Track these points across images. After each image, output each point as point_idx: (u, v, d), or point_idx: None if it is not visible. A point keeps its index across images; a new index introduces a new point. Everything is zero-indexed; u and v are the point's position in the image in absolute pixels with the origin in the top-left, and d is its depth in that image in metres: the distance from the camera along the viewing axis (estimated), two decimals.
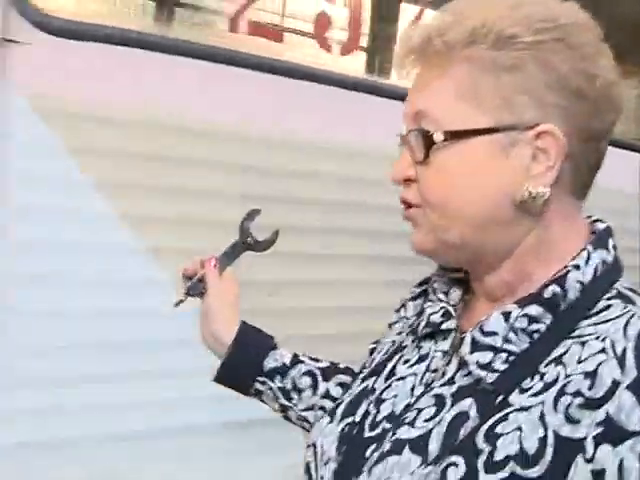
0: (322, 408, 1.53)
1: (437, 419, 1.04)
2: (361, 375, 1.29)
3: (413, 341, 1.21)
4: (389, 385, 1.19)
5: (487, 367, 1.02)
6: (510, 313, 1.01)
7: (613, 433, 0.88)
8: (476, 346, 1.03)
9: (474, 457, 0.95)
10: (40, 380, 1.75)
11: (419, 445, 1.04)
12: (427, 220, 1.06)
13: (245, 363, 1.55)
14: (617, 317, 0.98)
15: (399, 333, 1.29)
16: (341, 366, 1.60)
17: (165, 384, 1.91)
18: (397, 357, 1.22)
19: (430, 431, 1.04)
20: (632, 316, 0.96)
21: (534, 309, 1.01)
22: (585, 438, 0.90)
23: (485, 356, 1.03)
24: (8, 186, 1.71)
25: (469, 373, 1.04)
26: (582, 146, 1.01)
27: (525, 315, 1.01)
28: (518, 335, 1.02)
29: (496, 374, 1.01)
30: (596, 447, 0.89)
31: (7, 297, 1.74)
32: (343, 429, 1.21)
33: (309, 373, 1.56)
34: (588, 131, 0.99)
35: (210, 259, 1.54)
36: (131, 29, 1.81)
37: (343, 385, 1.53)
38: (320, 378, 1.57)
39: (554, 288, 1.01)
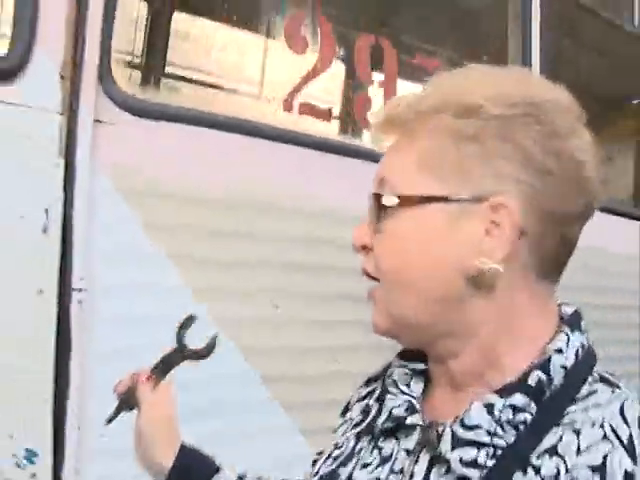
0: None
1: None
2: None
3: (370, 442, 1.09)
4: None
5: (472, 464, 0.93)
6: (493, 405, 0.93)
7: None
8: (457, 442, 0.94)
9: None
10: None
11: None
12: (381, 294, 1.00)
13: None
14: (608, 402, 0.93)
15: (343, 435, 1.17)
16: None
17: None
18: (353, 462, 1.09)
19: None
20: (625, 400, 0.92)
21: (518, 399, 0.93)
22: None
23: (468, 452, 0.93)
24: (93, 264, 1.71)
25: (448, 471, 0.95)
26: (543, 226, 0.94)
27: (510, 406, 0.93)
28: (504, 427, 0.94)
29: (483, 470, 0.92)
30: None
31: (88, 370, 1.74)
32: None
33: None
34: (551, 212, 0.92)
35: (142, 373, 1.39)
36: (211, 112, 1.86)
37: None
38: None
39: (539, 374, 0.94)
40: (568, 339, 0.95)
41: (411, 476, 0.97)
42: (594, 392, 0.93)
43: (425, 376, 1.06)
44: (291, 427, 2.15)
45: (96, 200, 1.70)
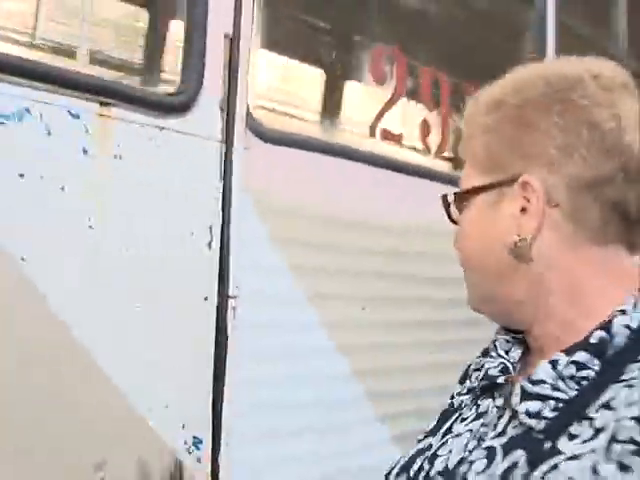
0: None
1: (489, 472, 1.04)
2: (419, 437, 1.28)
3: (473, 400, 1.21)
4: (444, 442, 1.20)
5: (536, 415, 1.02)
6: (558, 361, 1.00)
7: None
8: (525, 395, 1.02)
9: None
10: None
11: None
12: (466, 279, 1.15)
13: None
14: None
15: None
16: None
17: None
18: (455, 416, 1.22)
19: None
20: None
21: (581, 356, 0.99)
22: None
23: (534, 405, 1.02)
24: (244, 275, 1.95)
25: (519, 424, 1.04)
26: (574, 195, 1.00)
27: (573, 362, 1.00)
28: (566, 382, 1.01)
29: (545, 421, 1.00)
30: None
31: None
32: (399, 471, 1.25)
33: None
34: (578, 180, 0.98)
35: None
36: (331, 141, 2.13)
37: None
38: None
39: (600, 334, 1.00)
40: (636, 302, 0.99)
41: (494, 428, 1.08)
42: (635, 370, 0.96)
43: (525, 344, 1.14)
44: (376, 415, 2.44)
45: (246, 218, 1.94)
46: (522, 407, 1.01)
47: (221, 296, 1.89)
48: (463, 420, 1.19)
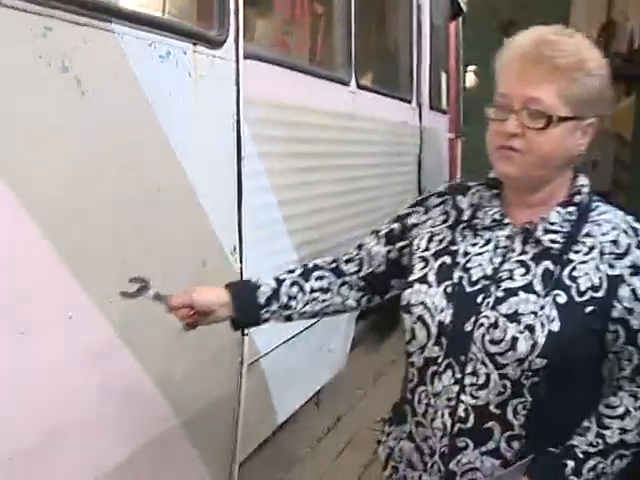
0: (314, 299, 2.01)
1: (531, 274, 1.66)
2: (425, 254, 1.82)
3: (472, 233, 1.77)
4: (469, 259, 1.74)
5: (554, 242, 1.67)
6: (560, 212, 1.68)
7: (634, 269, 1.63)
8: (546, 231, 1.68)
9: (568, 290, 1.62)
10: None
11: (529, 288, 1.64)
12: (523, 161, 1.61)
13: (248, 309, 1.96)
14: (609, 212, 1.71)
15: (437, 229, 1.83)
16: (310, 265, 2.05)
17: None
18: (460, 243, 1.78)
19: (531, 281, 1.65)
20: (616, 212, 1.72)
21: (571, 209, 1.69)
22: (621, 274, 1.63)
23: (551, 235, 1.67)
24: None
25: (537, 245, 1.68)
26: (596, 133, 1.60)
27: (567, 212, 1.69)
28: (565, 223, 1.68)
29: (559, 244, 1.66)
30: (629, 278, 1.63)
31: None
32: (445, 289, 1.73)
33: (293, 283, 1.99)
34: (601, 119, 1.62)
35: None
36: None
37: (321, 277, 2.02)
38: (303, 282, 2.00)
39: (578, 197, 1.71)
40: (585, 182, 1.73)
41: (513, 250, 1.71)
42: (598, 206, 1.72)
43: (500, 198, 1.77)
44: None
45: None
46: (545, 237, 1.67)
47: None
48: (474, 245, 1.76)
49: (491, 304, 1.66)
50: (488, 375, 1.66)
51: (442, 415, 1.73)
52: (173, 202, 2.52)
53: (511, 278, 1.67)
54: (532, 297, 1.63)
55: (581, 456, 1.68)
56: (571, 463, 1.68)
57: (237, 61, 2.88)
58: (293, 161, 3.51)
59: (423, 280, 1.77)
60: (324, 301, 2.01)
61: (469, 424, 1.70)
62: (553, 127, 1.60)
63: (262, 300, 1.94)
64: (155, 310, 1.87)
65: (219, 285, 1.95)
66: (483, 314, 1.66)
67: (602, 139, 12.95)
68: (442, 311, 1.70)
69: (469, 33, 9.98)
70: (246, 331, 3.01)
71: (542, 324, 1.61)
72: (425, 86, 6.46)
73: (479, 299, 1.68)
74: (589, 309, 1.62)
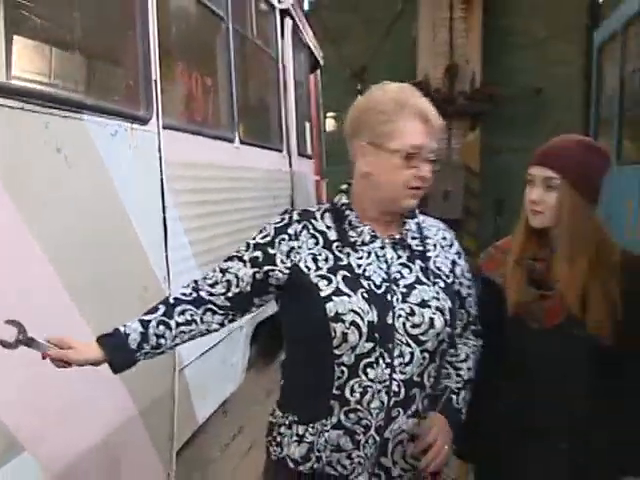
0: (182, 332, 2.21)
1: (414, 270, 2.17)
2: (321, 272, 2.13)
3: (353, 248, 2.16)
4: (364, 269, 2.14)
5: (417, 245, 2.21)
6: (413, 222, 2.24)
7: (458, 254, 2.32)
8: (413, 238, 2.21)
9: (440, 277, 2.21)
10: None
11: (420, 281, 2.16)
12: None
13: (123, 357, 2.16)
14: (426, 219, 2.31)
15: (317, 252, 2.16)
16: (171, 301, 2.24)
17: None
18: (347, 259, 2.15)
19: (417, 276, 2.17)
20: (427, 217, 2.32)
21: (413, 220, 2.25)
22: (453, 259, 2.28)
23: (416, 241, 2.21)
24: None
25: (405, 250, 2.18)
26: None
27: (414, 223, 2.24)
28: (415, 229, 2.23)
29: (421, 247, 2.21)
30: (458, 261, 2.30)
31: None
32: (362, 295, 2.10)
33: (159, 323, 2.18)
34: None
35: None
36: None
37: (183, 312, 2.21)
38: (167, 320, 2.19)
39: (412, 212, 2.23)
40: None
41: (392, 257, 2.17)
42: (418, 216, 2.29)
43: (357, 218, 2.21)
44: None
45: None
46: (413, 242, 2.20)
47: None
48: (359, 258, 2.17)
49: (400, 299, 2.12)
50: (412, 353, 2.11)
51: (379, 396, 2.11)
52: (124, 244, 3.33)
53: (403, 277, 2.16)
54: (426, 287, 2.16)
55: (456, 391, 2.31)
56: (453, 397, 2.29)
57: (158, 132, 3.69)
58: (196, 208, 4.29)
59: (339, 293, 2.08)
60: (191, 331, 2.23)
61: (401, 396, 2.13)
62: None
63: (134, 346, 2.15)
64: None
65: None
66: (398, 307, 2.11)
67: (452, 171, 14.27)
68: (368, 313, 2.07)
69: (326, 82, 10.92)
70: None
71: (444, 305, 2.16)
72: (293, 136, 7.33)
73: (389, 297, 2.11)
74: (456, 287, 2.28)
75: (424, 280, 2.16)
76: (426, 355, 2.14)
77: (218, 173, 4.85)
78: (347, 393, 2.12)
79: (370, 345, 2.08)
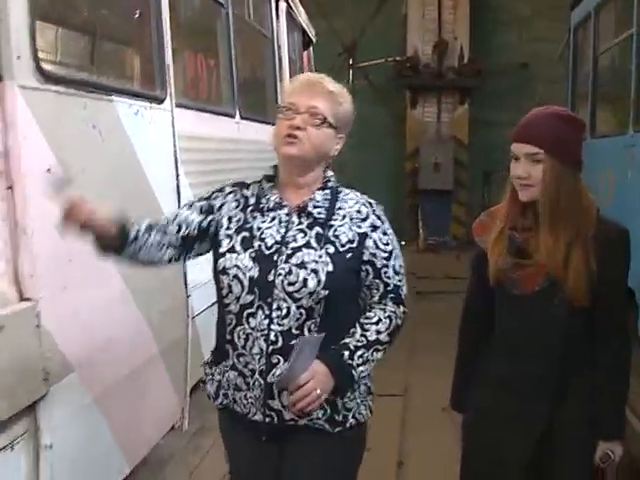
0: (150, 247, 2.45)
1: (308, 236, 2.32)
2: (229, 231, 2.39)
3: (261, 213, 2.38)
4: (262, 232, 2.35)
5: (320, 213, 2.34)
6: (321, 192, 2.38)
7: (373, 227, 2.38)
8: (314, 207, 2.35)
9: (334, 244, 2.31)
10: None
11: (308, 246, 2.30)
12: (302, 146, 2.29)
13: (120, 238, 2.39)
14: (351, 193, 2.44)
15: (234, 213, 2.40)
16: (152, 223, 2.48)
17: None
18: (253, 222, 2.38)
19: (308, 241, 2.30)
20: (355, 193, 2.45)
21: (327, 191, 2.40)
22: (365, 232, 2.37)
23: (318, 209, 2.35)
24: None
25: (308, 217, 2.33)
26: None
27: (325, 194, 2.38)
28: (325, 201, 2.37)
29: (323, 215, 2.34)
30: (371, 233, 2.37)
31: None
32: (250, 254, 2.33)
33: (146, 231, 2.45)
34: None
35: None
36: None
37: (158, 233, 2.45)
38: (148, 234, 2.46)
39: (329, 184, 2.42)
40: (332, 174, 2.45)
41: (292, 223, 2.35)
42: (344, 190, 2.45)
43: (276, 188, 2.41)
44: None
45: None
46: (315, 211, 2.35)
47: None
48: (263, 222, 2.37)
49: (284, 259, 2.29)
50: (289, 308, 2.29)
51: (259, 343, 2.32)
52: (145, 207, 3.91)
53: (295, 241, 2.33)
54: (311, 251, 2.30)
55: (352, 348, 2.33)
56: (346, 353, 2.31)
57: (172, 110, 4.26)
58: (202, 177, 4.82)
59: (232, 250, 2.36)
60: (155, 253, 2.48)
61: (279, 344, 2.31)
62: (325, 127, 2.34)
63: (132, 233, 2.42)
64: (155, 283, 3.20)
65: None
66: (280, 267, 2.29)
67: (442, 144, 14.80)
68: (251, 269, 2.31)
69: (319, 57, 11.41)
70: (189, 293, 4.40)
71: (322, 268, 2.28)
72: None
73: (275, 257, 2.31)
74: (349, 255, 2.34)
75: (313, 245, 2.31)
76: (302, 311, 2.29)
77: (221, 145, 5.41)
78: (235, 338, 2.37)
79: (251, 297, 2.30)
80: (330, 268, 2.28)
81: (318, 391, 2.23)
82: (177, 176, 4.32)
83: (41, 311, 2.78)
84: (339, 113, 2.38)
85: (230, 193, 2.49)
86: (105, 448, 3.47)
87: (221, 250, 2.39)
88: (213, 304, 4.69)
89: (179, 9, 4.76)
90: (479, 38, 15.31)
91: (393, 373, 5.92)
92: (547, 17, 14.47)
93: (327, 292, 2.28)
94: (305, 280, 2.26)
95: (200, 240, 2.49)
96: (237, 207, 2.44)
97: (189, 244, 2.49)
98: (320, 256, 2.29)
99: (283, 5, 7.90)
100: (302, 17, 9.25)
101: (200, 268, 4.32)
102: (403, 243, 13.01)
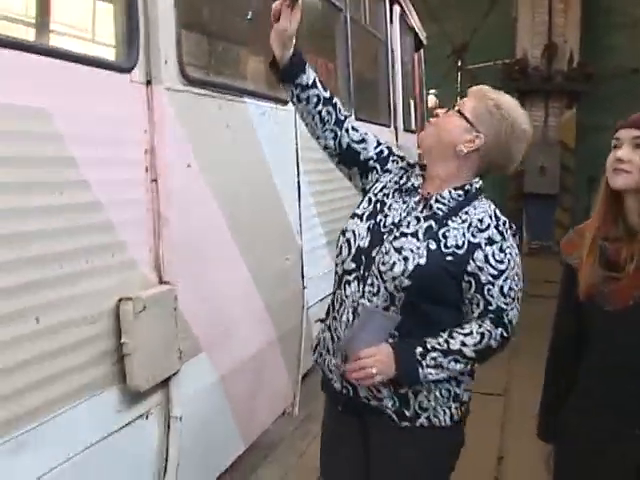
0: (323, 111, 2.51)
1: (419, 226, 2.34)
2: (371, 196, 2.49)
3: (400, 193, 2.45)
4: (389, 209, 2.43)
5: (440, 209, 2.33)
6: (451, 191, 2.35)
7: (490, 241, 2.28)
8: (437, 201, 2.35)
9: (439, 242, 2.28)
10: None
11: (415, 235, 2.31)
12: (432, 134, 2.43)
13: (299, 65, 2.45)
14: (486, 203, 2.36)
15: (387, 184, 2.50)
16: (335, 102, 2.54)
17: None
18: (390, 199, 2.45)
19: (417, 230, 2.32)
20: (490, 205, 2.35)
21: (460, 192, 2.35)
22: (479, 243, 2.28)
23: (439, 205, 2.34)
24: None
25: (429, 209, 2.34)
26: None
27: (457, 194, 2.34)
28: (452, 199, 2.35)
29: (442, 212, 2.32)
30: (484, 246, 2.28)
31: None
32: (369, 226, 2.42)
33: (319, 87, 2.50)
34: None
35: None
36: None
37: (329, 113, 2.51)
38: (326, 102, 2.51)
39: (468, 187, 2.36)
40: (478, 181, 2.38)
41: (416, 210, 2.38)
42: (482, 199, 2.37)
43: (424, 178, 2.46)
44: None
45: None
46: (435, 205, 2.35)
47: None
48: (396, 202, 2.45)
49: (390, 240, 2.34)
50: (379, 287, 2.33)
51: (348, 312, 2.39)
52: (270, 201, 4.21)
53: (407, 227, 2.36)
54: (414, 240, 2.32)
55: (428, 347, 2.29)
56: (419, 349, 2.28)
57: (295, 111, 4.45)
58: (318, 175, 5.03)
59: (359, 216, 2.46)
60: (326, 120, 2.53)
61: None
62: (455, 116, 2.39)
63: (310, 74, 2.47)
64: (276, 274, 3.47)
65: None
66: (383, 245, 2.34)
67: (548, 148, 14.72)
68: (362, 239, 2.40)
69: (428, 60, 11.55)
70: (305, 285, 4.64)
71: (414, 258, 2.29)
72: (399, 112, 8.08)
73: (385, 236, 2.36)
74: (449, 258, 2.29)
75: (419, 236, 2.33)
76: (387, 295, 2.31)
77: None
78: (335, 301, 2.47)
79: (353, 265, 2.39)
80: (422, 262, 2.27)
81: (374, 370, 2.26)
82: (298, 174, 4.55)
83: (178, 295, 3.03)
84: (479, 112, 2.38)
85: (400, 167, 2.56)
86: (225, 425, 3.74)
87: (355, 211, 2.50)
88: (325, 297, 5.05)
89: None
90: (589, 42, 15.11)
91: (493, 372, 6.03)
92: None
93: (410, 283, 2.27)
94: (394, 264, 2.28)
95: (354, 164, 2.57)
96: (394, 178, 2.52)
97: (349, 158, 2.57)
98: (418, 247, 2.29)
99: (397, 9, 8.08)
100: (414, 20, 9.41)
101: (315, 263, 4.61)
102: None
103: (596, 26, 15.10)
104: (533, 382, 5.54)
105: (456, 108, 2.38)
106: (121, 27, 2.88)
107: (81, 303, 2.52)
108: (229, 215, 3.55)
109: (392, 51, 7.94)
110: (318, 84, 2.46)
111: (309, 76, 2.44)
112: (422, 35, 10.26)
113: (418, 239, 2.30)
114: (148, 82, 2.92)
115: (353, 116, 5.70)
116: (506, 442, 5.31)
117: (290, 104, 4.34)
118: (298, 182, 4.58)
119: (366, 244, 2.37)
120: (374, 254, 2.34)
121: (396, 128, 7.84)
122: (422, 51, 10.88)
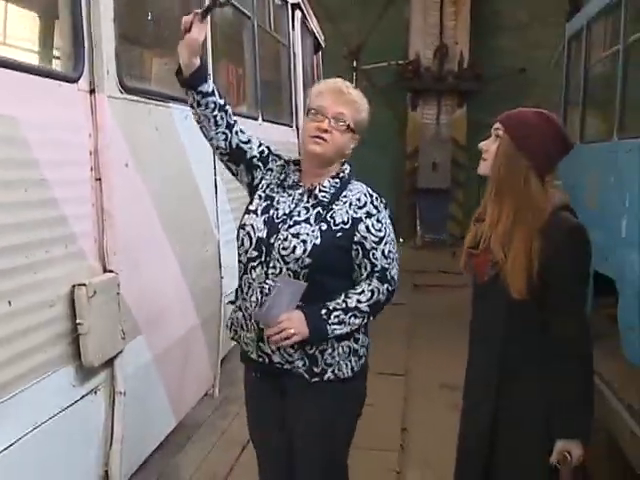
0: (217, 116, 2.83)
1: (309, 213, 2.75)
2: (261, 193, 2.85)
3: (283, 189, 2.83)
4: (278, 203, 2.81)
5: (324, 197, 2.78)
6: (330, 180, 2.81)
7: (368, 214, 2.77)
8: (320, 190, 2.80)
9: (328, 223, 2.73)
10: None
11: (307, 221, 2.74)
12: (327, 146, 2.73)
13: (200, 76, 2.72)
14: (359, 184, 2.86)
15: (272, 182, 2.87)
16: (227, 107, 2.87)
17: None
18: (276, 194, 2.83)
19: (308, 217, 2.74)
20: (362, 185, 2.85)
21: (336, 180, 2.83)
22: (360, 217, 2.76)
23: (323, 193, 2.79)
24: None
25: (315, 198, 2.77)
26: None
27: (334, 182, 2.82)
28: (332, 187, 2.81)
29: (326, 199, 2.77)
30: (365, 219, 2.76)
31: None
32: (264, 219, 2.77)
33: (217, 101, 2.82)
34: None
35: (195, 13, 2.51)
36: None
37: (224, 116, 2.85)
38: (221, 110, 2.84)
39: (341, 174, 2.84)
40: (347, 168, 2.88)
41: (302, 201, 2.81)
42: (354, 182, 2.86)
43: (300, 172, 2.86)
44: None
45: None
46: (320, 194, 2.80)
47: None
48: (282, 196, 2.82)
49: (285, 228, 2.71)
50: (281, 268, 2.71)
51: (256, 292, 2.77)
52: (192, 197, 4.60)
53: (299, 216, 2.74)
54: (307, 226, 2.71)
55: (330, 308, 2.73)
56: (324, 310, 2.71)
57: None
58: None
59: (254, 212, 2.81)
60: (219, 124, 2.86)
61: None
62: (347, 132, 2.74)
63: (210, 83, 2.78)
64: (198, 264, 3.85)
65: None
66: (280, 233, 2.72)
67: (441, 144, 15.34)
68: (261, 231, 2.75)
69: (325, 60, 11.93)
70: (222, 274, 5.03)
71: (310, 240, 2.69)
72: (300, 113, 8.44)
73: (279, 225, 2.74)
74: (339, 234, 2.72)
75: (311, 221, 2.73)
76: (290, 273, 2.71)
77: None
78: (242, 285, 2.85)
79: (255, 253, 2.76)
80: (318, 242, 2.68)
81: (292, 330, 2.65)
82: (215, 172, 4.94)
83: (120, 282, 3.39)
84: (359, 120, 2.79)
85: (279, 165, 2.93)
86: (160, 402, 4.11)
87: (249, 207, 2.87)
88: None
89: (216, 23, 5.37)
90: (479, 43, 15.80)
91: (395, 355, 6.69)
92: (545, 23, 14.90)
93: (311, 260, 2.68)
94: (295, 247, 2.68)
95: (241, 161, 2.91)
96: (277, 177, 2.89)
97: (236, 157, 2.91)
98: (313, 231, 2.69)
99: (298, 14, 8.49)
100: (314, 24, 9.83)
101: (231, 254, 4.98)
102: (401, 240, 13.66)
103: (485, 28, 15.82)
104: (430, 364, 6.23)
105: (343, 122, 2.72)
106: (68, 42, 3.21)
107: (43, 289, 2.85)
108: (159, 209, 3.91)
109: (294, 55, 8.36)
110: (216, 92, 2.80)
111: (210, 84, 2.76)
112: (321, 38, 10.69)
113: (310, 224, 2.71)
114: (92, 91, 3.26)
115: (261, 118, 6.12)
116: (409, 416, 5.81)
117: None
118: (215, 180, 4.96)
119: (264, 235, 2.74)
120: (272, 241, 2.72)
121: (297, 127, 8.23)
122: (320, 53, 11.29)
